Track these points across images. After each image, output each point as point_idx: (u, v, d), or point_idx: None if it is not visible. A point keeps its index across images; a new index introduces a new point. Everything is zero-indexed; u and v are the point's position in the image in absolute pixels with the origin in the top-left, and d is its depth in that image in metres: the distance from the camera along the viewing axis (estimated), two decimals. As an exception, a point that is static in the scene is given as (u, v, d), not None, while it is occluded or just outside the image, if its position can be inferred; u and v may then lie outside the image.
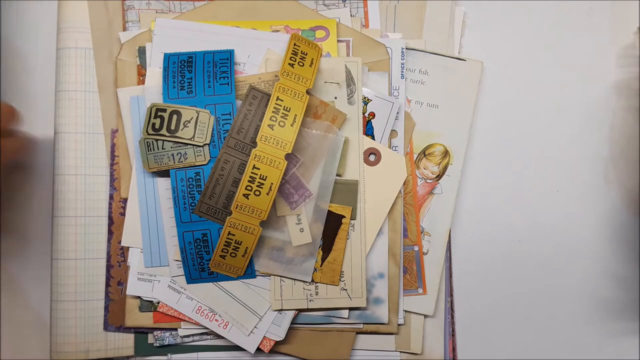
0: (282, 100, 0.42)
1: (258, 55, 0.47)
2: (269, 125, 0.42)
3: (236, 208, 0.42)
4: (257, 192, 0.42)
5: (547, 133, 0.51)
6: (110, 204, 0.47)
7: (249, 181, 0.41)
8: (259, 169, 0.41)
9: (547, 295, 0.50)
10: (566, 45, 0.52)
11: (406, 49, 0.49)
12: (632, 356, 0.50)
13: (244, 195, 0.42)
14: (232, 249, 0.43)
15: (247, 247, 0.43)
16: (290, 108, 0.42)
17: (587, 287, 0.50)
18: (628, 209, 0.50)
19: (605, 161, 0.51)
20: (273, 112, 0.42)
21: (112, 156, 0.47)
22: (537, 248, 0.50)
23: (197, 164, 0.44)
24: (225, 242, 0.43)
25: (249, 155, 0.42)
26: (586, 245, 0.50)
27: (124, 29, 0.49)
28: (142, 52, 0.47)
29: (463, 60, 0.49)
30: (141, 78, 0.47)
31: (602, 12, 0.52)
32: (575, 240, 0.50)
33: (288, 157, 0.42)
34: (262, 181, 0.42)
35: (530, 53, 0.51)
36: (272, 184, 0.42)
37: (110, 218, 0.47)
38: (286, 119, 0.42)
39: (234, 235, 0.42)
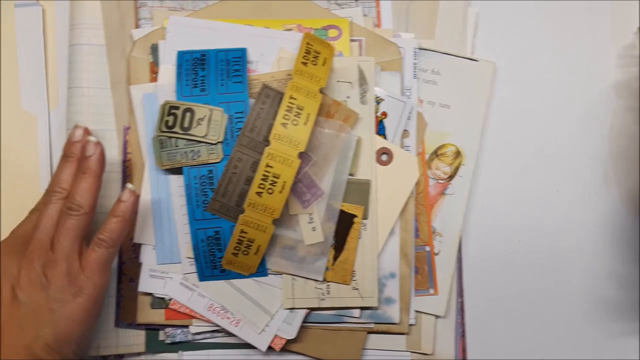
0: (296, 99, 0.42)
1: (271, 54, 0.47)
2: (282, 124, 0.42)
3: (249, 206, 0.42)
4: (270, 191, 0.42)
5: (547, 133, 0.51)
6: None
7: (262, 179, 0.41)
8: (272, 167, 0.41)
9: (547, 295, 0.50)
10: (566, 45, 0.52)
11: (418, 49, 0.49)
12: (632, 356, 0.50)
13: (257, 193, 0.42)
14: (245, 247, 0.43)
15: (259, 245, 0.43)
16: (303, 107, 0.42)
17: (593, 287, 0.50)
18: (628, 209, 0.50)
19: (605, 161, 0.51)
20: (286, 110, 0.42)
21: (124, 153, 0.47)
22: (538, 248, 0.50)
23: (210, 161, 0.44)
24: (238, 240, 0.43)
25: (262, 154, 0.42)
26: (586, 245, 0.50)
27: (137, 26, 0.49)
28: (154, 49, 0.47)
29: (475, 60, 0.49)
30: (154, 75, 0.47)
31: (602, 12, 0.52)
32: (575, 240, 0.50)
33: (301, 155, 0.42)
34: (275, 179, 0.42)
35: (529, 53, 0.51)
36: (285, 182, 0.42)
37: (122, 215, 0.47)
38: (299, 117, 0.42)
39: (246, 233, 0.42)
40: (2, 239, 0.42)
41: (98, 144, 0.41)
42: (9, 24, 0.49)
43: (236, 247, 0.43)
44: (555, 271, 0.50)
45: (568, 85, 0.51)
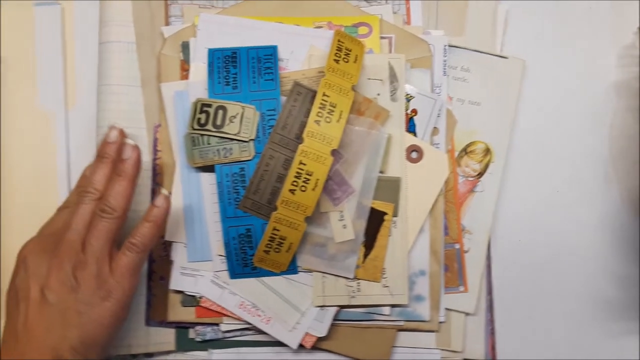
0: (328, 96, 0.42)
1: (301, 52, 0.47)
2: (315, 121, 0.42)
3: (282, 203, 0.42)
4: (303, 188, 0.42)
5: (547, 132, 0.50)
6: (153, 199, 0.47)
7: (295, 177, 0.41)
8: (305, 164, 0.41)
9: (546, 294, 0.50)
10: (566, 45, 0.51)
11: (448, 46, 0.49)
12: (632, 356, 0.49)
13: (290, 191, 0.42)
14: (276, 245, 0.43)
15: (291, 243, 0.43)
16: (336, 104, 0.42)
17: (594, 287, 0.50)
18: (628, 209, 0.50)
19: (605, 161, 0.50)
20: (319, 108, 0.42)
21: (155, 151, 0.47)
22: (539, 248, 0.50)
23: (241, 159, 0.44)
24: (270, 237, 0.43)
25: (294, 151, 0.42)
26: (586, 245, 0.50)
27: (167, 24, 0.49)
28: (185, 47, 0.47)
29: (505, 57, 0.49)
30: (184, 73, 0.47)
31: (602, 12, 0.52)
32: (575, 240, 0.50)
33: (333, 153, 0.42)
34: (308, 177, 0.42)
35: (529, 53, 0.51)
36: (318, 179, 0.42)
37: (152, 213, 0.47)
38: (332, 115, 0.42)
39: (278, 230, 0.42)
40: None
41: (135, 147, 0.41)
42: (28, 23, 0.49)
43: (268, 244, 0.43)
44: (554, 271, 0.50)
45: (568, 85, 0.51)
